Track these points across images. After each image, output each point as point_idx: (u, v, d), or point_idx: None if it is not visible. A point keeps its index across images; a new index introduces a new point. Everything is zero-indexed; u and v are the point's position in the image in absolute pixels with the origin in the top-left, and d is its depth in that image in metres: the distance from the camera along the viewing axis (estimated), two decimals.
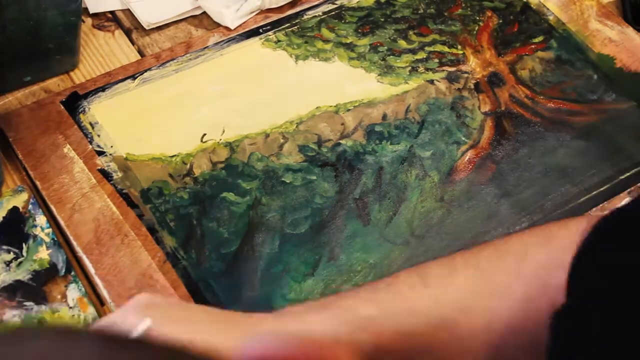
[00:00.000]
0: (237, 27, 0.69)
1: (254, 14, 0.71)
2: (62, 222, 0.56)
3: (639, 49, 0.71)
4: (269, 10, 0.71)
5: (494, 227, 0.59)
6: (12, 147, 0.60)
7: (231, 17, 0.69)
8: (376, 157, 0.62)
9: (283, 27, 0.70)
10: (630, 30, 0.72)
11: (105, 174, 0.59)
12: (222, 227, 0.57)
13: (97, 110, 0.62)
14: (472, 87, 0.68)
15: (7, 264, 0.53)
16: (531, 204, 0.60)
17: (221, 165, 0.61)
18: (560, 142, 0.64)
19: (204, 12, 0.72)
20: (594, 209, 0.60)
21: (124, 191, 0.58)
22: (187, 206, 0.58)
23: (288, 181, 0.60)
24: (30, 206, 0.56)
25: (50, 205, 0.56)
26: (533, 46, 0.71)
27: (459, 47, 0.71)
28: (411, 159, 0.62)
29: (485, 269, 0.40)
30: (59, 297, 0.52)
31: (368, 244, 0.57)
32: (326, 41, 0.70)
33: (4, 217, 0.55)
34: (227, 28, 0.69)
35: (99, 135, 0.61)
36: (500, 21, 0.73)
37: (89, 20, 0.70)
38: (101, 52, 0.68)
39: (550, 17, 0.74)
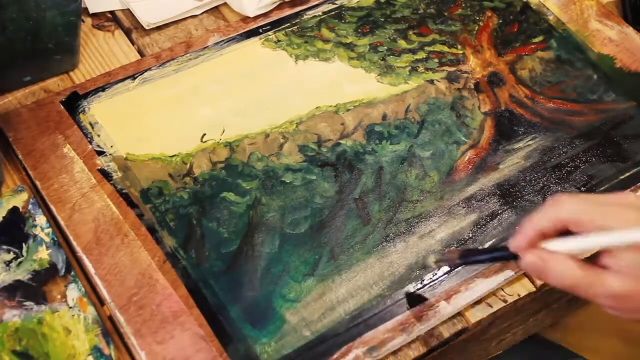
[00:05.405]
0: (237, 26, 0.69)
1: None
2: (62, 222, 0.56)
3: (639, 49, 0.71)
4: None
5: (494, 227, 0.59)
6: (12, 147, 0.60)
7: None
8: (376, 157, 0.62)
9: (283, 27, 0.70)
10: (630, 30, 0.72)
11: (105, 174, 0.59)
12: (222, 227, 0.57)
13: (97, 110, 0.63)
14: (472, 87, 0.68)
15: (7, 263, 0.53)
16: (530, 204, 0.60)
17: (221, 165, 0.61)
18: (560, 142, 0.64)
19: (204, 12, 0.72)
20: None
21: (123, 191, 0.58)
22: (186, 206, 0.58)
23: (288, 181, 0.60)
24: (30, 206, 0.56)
25: (50, 205, 0.56)
26: (533, 46, 0.71)
27: (459, 47, 0.71)
28: (411, 158, 0.62)
29: None
30: (59, 297, 0.52)
31: (368, 244, 0.57)
32: (326, 41, 0.70)
33: (4, 217, 0.55)
34: (229, 25, 0.70)
35: (98, 135, 0.61)
36: (500, 21, 0.73)
37: (88, 20, 0.70)
38: (101, 52, 0.68)
39: (550, 17, 0.74)
